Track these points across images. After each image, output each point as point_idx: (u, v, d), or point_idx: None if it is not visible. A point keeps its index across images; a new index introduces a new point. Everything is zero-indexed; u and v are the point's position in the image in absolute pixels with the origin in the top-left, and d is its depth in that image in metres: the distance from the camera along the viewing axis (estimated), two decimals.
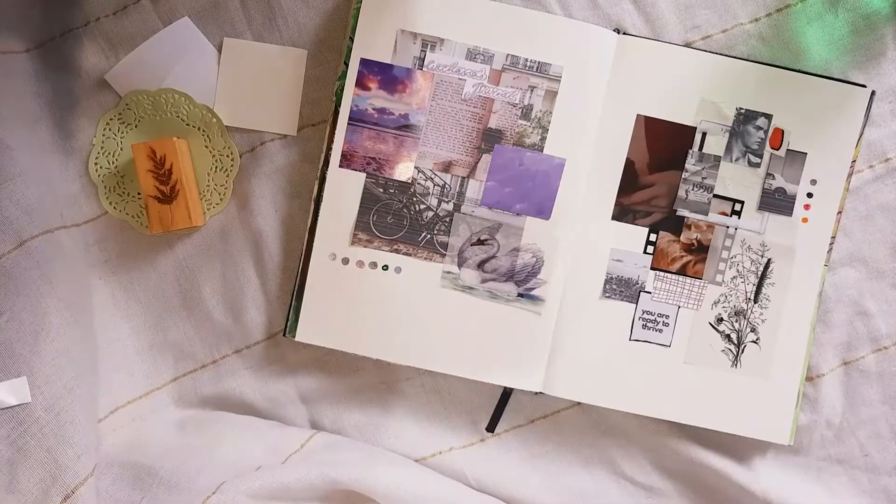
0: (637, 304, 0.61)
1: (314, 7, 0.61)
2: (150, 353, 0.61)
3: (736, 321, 0.61)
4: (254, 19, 0.61)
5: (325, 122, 0.61)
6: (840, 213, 0.61)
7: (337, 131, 0.60)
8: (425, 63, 0.59)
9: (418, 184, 0.60)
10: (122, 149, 0.61)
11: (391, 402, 0.63)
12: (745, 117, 0.61)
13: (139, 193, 0.60)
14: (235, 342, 0.63)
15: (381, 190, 0.60)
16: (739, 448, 0.63)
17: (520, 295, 0.61)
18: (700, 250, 0.61)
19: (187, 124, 0.61)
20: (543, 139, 0.60)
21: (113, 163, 0.61)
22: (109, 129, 0.61)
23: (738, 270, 0.61)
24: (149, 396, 0.62)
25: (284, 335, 0.61)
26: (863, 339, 0.63)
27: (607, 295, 0.61)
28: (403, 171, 0.60)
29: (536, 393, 0.61)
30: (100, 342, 0.62)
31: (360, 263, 0.61)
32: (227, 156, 0.61)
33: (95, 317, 0.62)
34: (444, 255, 0.61)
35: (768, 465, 0.63)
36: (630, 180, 0.61)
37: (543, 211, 0.60)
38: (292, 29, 0.61)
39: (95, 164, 0.61)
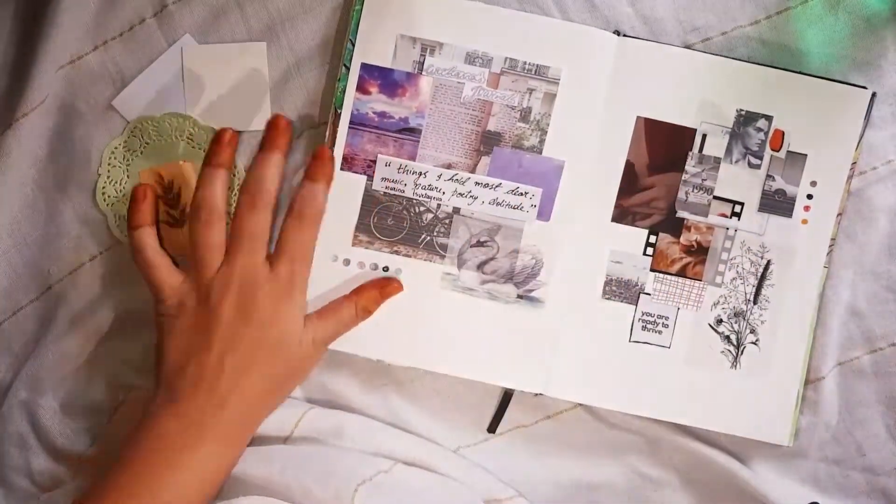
0: (637, 305, 0.62)
1: (312, 12, 0.61)
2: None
3: (735, 322, 0.62)
4: (253, 28, 0.61)
5: (325, 125, 0.62)
6: (840, 214, 0.61)
7: (338, 135, 0.61)
8: (425, 67, 0.60)
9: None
10: (128, 176, 0.62)
11: (395, 405, 0.64)
12: (746, 119, 0.61)
13: None
14: None
15: (382, 192, 0.61)
16: (741, 447, 0.63)
17: (519, 296, 0.61)
18: (700, 252, 0.61)
19: (192, 147, 0.62)
20: (542, 141, 0.60)
21: (120, 191, 0.62)
22: (114, 158, 0.62)
23: (737, 272, 0.61)
24: None
25: None
26: (858, 341, 0.62)
27: (607, 296, 0.61)
28: None
29: (536, 394, 0.62)
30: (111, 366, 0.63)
31: (362, 265, 0.61)
32: (233, 175, 0.62)
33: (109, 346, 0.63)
34: (443, 257, 0.61)
35: (768, 465, 0.63)
36: (630, 182, 0.61)
37: (543, 213, 0.61)
38: (290, 35, 0.61)
39: (103, 193, 0.62)
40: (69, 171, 0.62)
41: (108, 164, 0.62)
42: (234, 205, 0.60)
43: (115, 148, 0.62)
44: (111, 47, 0.62)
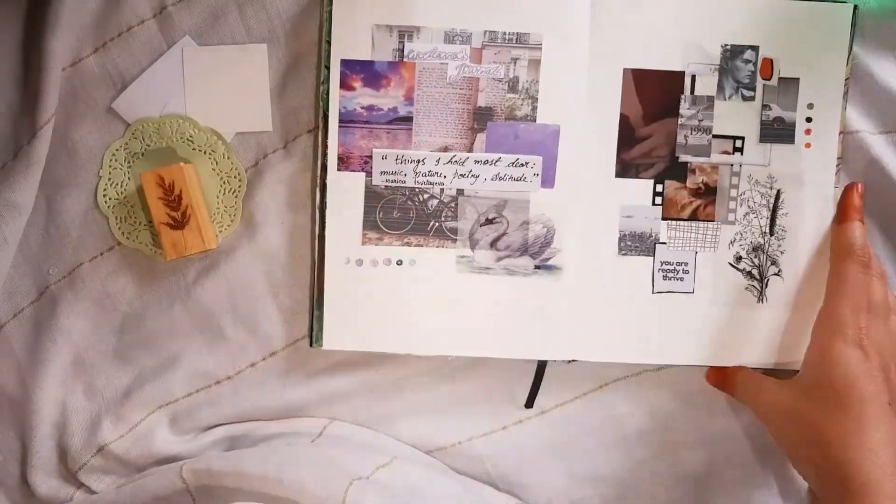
0: (654, 256, 0.61)
1: (311, 13, 0.61)
2: (161, 373, 0.62)
3: (755, 257, 0.61)
4: (253, 29, 0.61)
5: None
6: (842, 132, 0.61)
7: (329, 135, 0.60)
8: (405, 53, 0.59)
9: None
10: (129, 178, 0.62)
11: (409, 397, 0.63)
12: (732, 53, 0.60)
13: (150, 221, 0.61)
14: (251, 356, 0.63)
15: (383, 186, 0.60)
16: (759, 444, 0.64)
17: (536, 267, 0.61)
18: (708, 193, 0.61)
19: (193, 148, 0.61)
20: (534, 109, 0.60)
21: (122, 193, 0.62)
22: (115, 160, 0.61)
23: (749, 206, 0.61)
24: (164, 409, 0.63)
25: (311, 346, 0.61)
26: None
27: (623, 252, 0.61)
28: None
29: (570, 361, 0.61)
30: (114, 366, 0.63)
31: (375, 262, 0.61)
32: (235, 177, 0.62)
33: (110, 344, 0.63)
34: (455, 241, 0.61)
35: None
36: (627, 135, 0.61)
37: (546, 180, 0.60)
38: (290, 35, 0.61)
39: (104, 195, 0.62)
40: (70, 173, 0.61)
41: (110, 167, 0.61)
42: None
43: (117, 150, 0.61)
44: (111, 49, 0.61)
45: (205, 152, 0.61)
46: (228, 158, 0.61)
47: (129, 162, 0.62)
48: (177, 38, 0.61)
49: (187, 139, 0.61)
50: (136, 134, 0.61)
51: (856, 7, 0.60)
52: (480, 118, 0.60)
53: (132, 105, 0.61)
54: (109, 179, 0.62)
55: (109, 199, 0.62)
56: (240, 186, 0.62)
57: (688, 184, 0.61)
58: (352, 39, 0.59)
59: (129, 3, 0.60)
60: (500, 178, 0.60)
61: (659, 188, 0.61)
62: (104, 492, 0.62)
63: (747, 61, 0.60)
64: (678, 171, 0.61)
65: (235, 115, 0.61)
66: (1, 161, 0.60)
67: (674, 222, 0.61)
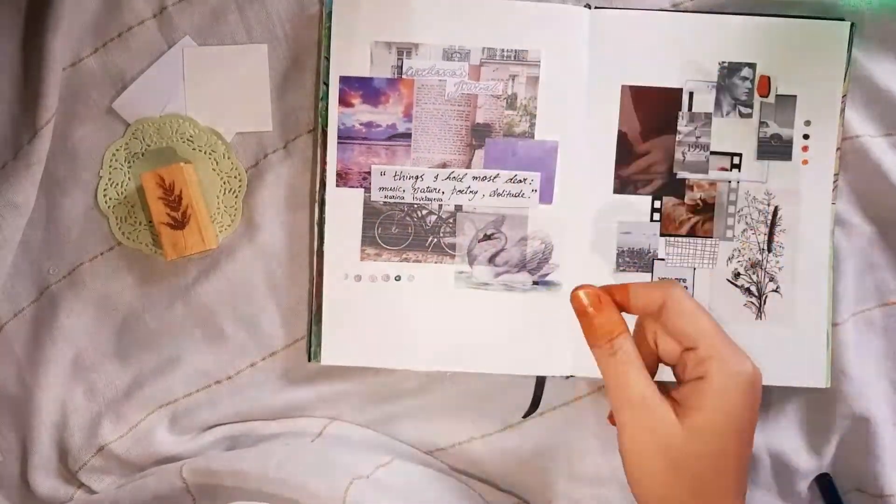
0: (652, 272, 0.61)
1: (311, 13, 0.61)
2: (161, 373, 0.62)
3: (753, 273, 0.61)
4: (253, 29, 0.61)
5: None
6: (839, 149, 0.61)
7: (328, 152, 0.60)
8: (403, 70, 0.60)
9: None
10: (129, 178, 0.62)
11: (408, 398, 0.63)
12: (730, 70, 0.60)
13: (150, 221, 0.61)
14: (251, 356, 0.63)
15: (382, 202, 0.61)
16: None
17: (535, 283, 0.61)
18: (706, 209, 0.61)
19: (193, 148, 0.62)
20: (533, 125, 0.60)
21: (122, 193, 0.62)
22: (116, 160, 0.62)
23: (746, 223, 0.61)
24: (165, 409, 0.63)
25: (309, 360, 0.61)
26: (870, 292, 0.63)
27: (622, 268, 0.61)
28: None
29: (567, 377, 0.62)
30: (114, 366, 0.63)
31: (373, 278, 0.61)
32: (235, 177, 0.62)
33: (110, 344, 0.63)
34: (453, 256, 0.61)
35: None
36: (625, 152, 0.61)
37: (545, 196, 0.61)
38: (290, 35, 0.61)
39: (104, 195, 0.62)
40: (70, 173, 0.62)
41: (110, 167, 0.62)
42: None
43: (117, 150, 0.62)
44: (111, 49, 0.61)
45: (205, 152, 0.62)
46: (228, 158, 0.62)
47: (129, 162, 0.62)
48: (177, 38, 0.61)
49: (187, 139, 0.61)
50: (136, 134, 0.61)
51: (853, 24, 0.60)
52: (479, 135, 0.60)
53: (132, 105, 0.61)
54: (110, 179, 0.62)
55: (110, 199, 0.62)
56: (240, 186, 0.62)
57: (686, 200, 0.61)
58: (351, 56, 0.59)
59: (129, 4, 0.61)
60: (499, 195, 0.61)
61: (657, 204, 0.61)
62: (104, 492, 0.62)
63: (745, 78, 0.60)
64: (676, 187, 0.61)
65: (235, 115, 0.62)
66: (1, 161, 0.61)
67: (672, 238, 0.61)
